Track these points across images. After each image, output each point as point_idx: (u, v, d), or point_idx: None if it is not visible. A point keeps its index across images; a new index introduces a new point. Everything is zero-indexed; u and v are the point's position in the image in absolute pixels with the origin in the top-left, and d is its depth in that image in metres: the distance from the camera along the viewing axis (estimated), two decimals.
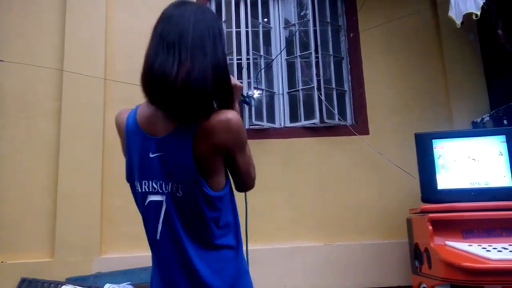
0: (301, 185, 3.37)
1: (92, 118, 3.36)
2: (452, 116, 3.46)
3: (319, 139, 3.46)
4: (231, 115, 1.08)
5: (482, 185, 2.57)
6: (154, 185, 1.10)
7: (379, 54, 3.65)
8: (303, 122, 3.49)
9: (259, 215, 3.10)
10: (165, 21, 1.12)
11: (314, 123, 3.45)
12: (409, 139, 2.84)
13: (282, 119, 3.58)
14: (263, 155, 3.33)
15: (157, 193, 1.10)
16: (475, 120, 3.33)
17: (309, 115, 3.49)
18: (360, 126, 3.51)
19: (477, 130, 3.20)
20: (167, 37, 1.07)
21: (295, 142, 3.44)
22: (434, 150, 2.66)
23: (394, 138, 3.44)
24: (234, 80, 1.20)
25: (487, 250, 2.18)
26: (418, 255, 2.57)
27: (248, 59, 3.45)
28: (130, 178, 1.18)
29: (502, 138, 2.60)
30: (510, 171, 2.54)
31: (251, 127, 3.39)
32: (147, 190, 1.12)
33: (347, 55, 3.71)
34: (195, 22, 1.09)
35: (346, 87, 3.67)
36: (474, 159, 2.62)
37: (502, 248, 2.20)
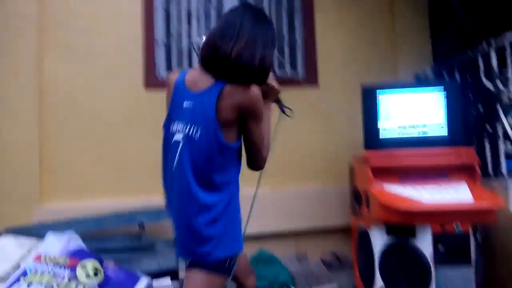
0: None
1: (26, 64, 3.12)
2: (398, 69, 3.55)
3: None
4: (252, 86, 1.40)
5: (421, 134, 2.71)
6: (180, 125, 1.45)
7: (332, 8, 3.62)
8: None
9: None
10: (236, 11, 1.48)
11: None
12: (356, 92, 2.89)
13: None
14: None
15: (179, 132, 1.45)
16: (418, 73, 3.45)
17: None
18: (311, 79, 3.53)
19: (418, 83, 3.32)
20: (232, 22, 1.43)
21: None
22: (378, 100, 2.74)
23: (342, 91, 3.50)
24: (274, 81, 1.57)
25: (420, 193, 2.33)
26: (358, 199, 2.70)
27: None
28: (167, 122, 1.51)
29: (441, 90, 2.71)
30: (447, 121, 2.68)
31: None
32: (174, 130, 1.47)
33: (301, 8, 3.66)
34: (256, 21, 1.45)
35: (298, 40, 3.65)
36: (414, 110, 2.73)
37: (433, 191, 2.36)
